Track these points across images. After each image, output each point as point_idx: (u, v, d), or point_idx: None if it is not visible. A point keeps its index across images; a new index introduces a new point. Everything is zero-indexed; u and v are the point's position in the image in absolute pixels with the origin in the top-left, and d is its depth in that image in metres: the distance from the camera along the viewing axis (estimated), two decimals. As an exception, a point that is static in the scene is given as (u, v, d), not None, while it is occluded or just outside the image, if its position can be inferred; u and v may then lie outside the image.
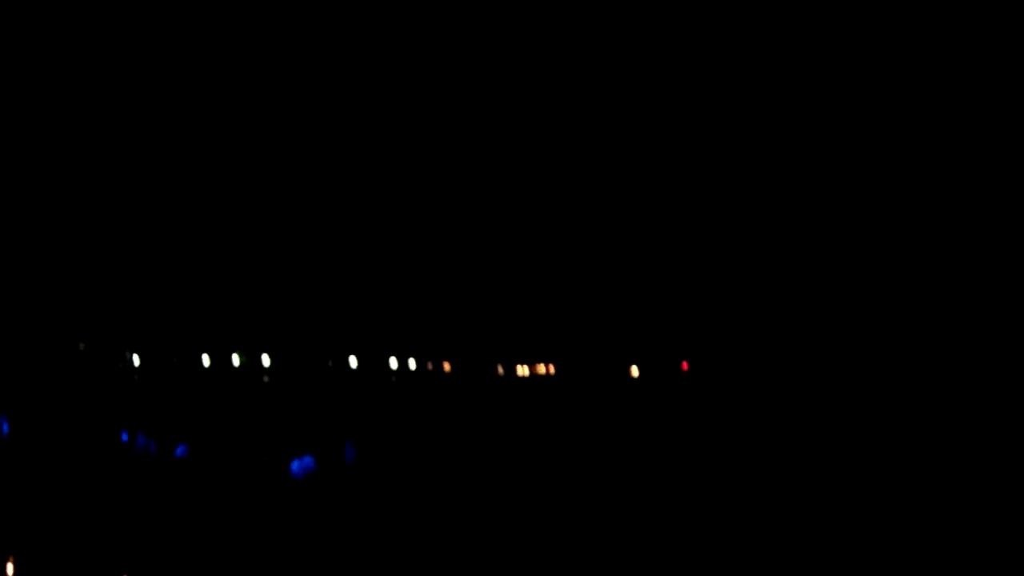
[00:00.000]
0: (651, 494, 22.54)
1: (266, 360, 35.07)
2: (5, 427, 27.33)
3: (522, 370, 42.35)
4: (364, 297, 39.34)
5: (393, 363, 40.07)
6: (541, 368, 42.59)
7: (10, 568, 15.48)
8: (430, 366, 41.04)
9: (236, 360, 36.02)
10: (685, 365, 41.14)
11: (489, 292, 39.77)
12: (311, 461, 23.45)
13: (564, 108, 31.25)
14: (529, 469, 23.18)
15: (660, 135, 29.22)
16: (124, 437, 25.71)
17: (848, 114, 26.98)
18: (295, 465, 23.62)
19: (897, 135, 26.42)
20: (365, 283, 39.01)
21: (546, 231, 39.84)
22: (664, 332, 39.28)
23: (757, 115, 27.71)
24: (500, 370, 41.87)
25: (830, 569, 15.34)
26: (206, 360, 35.26)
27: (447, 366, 41.47)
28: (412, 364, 40.50)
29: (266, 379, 34.62)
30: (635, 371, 43.56)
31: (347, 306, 39.00)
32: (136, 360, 35.87)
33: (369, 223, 39.22)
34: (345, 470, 22.64)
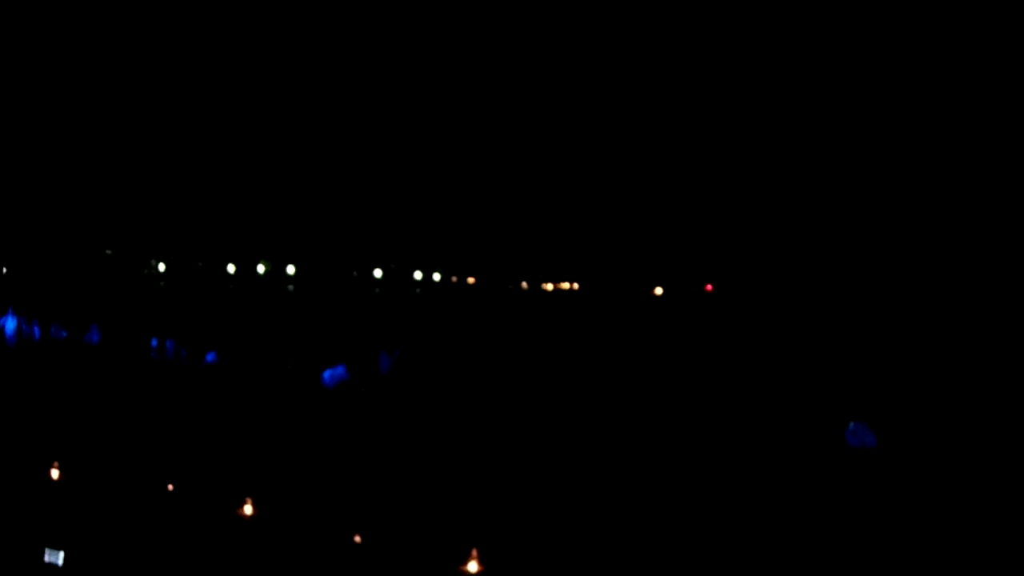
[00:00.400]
0: (672, 422, 22.40)
1: (293, 269, 35.05)
2: (36, 331, 27.31)
3: (547, 286, 42.00)
4: (394, 210, 39.05)
5: (418, 275, 39.86)
6: (565, 285, 42.26)
7: (55, 473, 15.46)
8: (455, 279, 40.81)
9: (261, 269, 35.97)
10: (710, 287, 40.93)
11: (517, 210, 39.43)
12: (343, 371, 23.35)
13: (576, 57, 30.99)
14: (552, 388, 23.09)
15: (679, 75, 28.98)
16: (154, 343, 25.70)
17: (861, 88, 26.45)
18: (327, 375, 23.54)
19: (899, 119, 25.90)
20: (397, 196, 38.71)
21: (577, 153, 39.30)
22: (690, 254, 38.96)
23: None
24: (525, 285, 41.54)
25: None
26: (232, 268, 35.22)
27: (471, 280, 41.19)
28: (436, 276, 40.27)
29: (293, 288, 34.58)
30: (659, 291, 43.20)
31: (377, 218, 38.76)
32: (163, 268, 35.77)
33: (399, 138, 38.80)
34: (379, 380, 22.54)
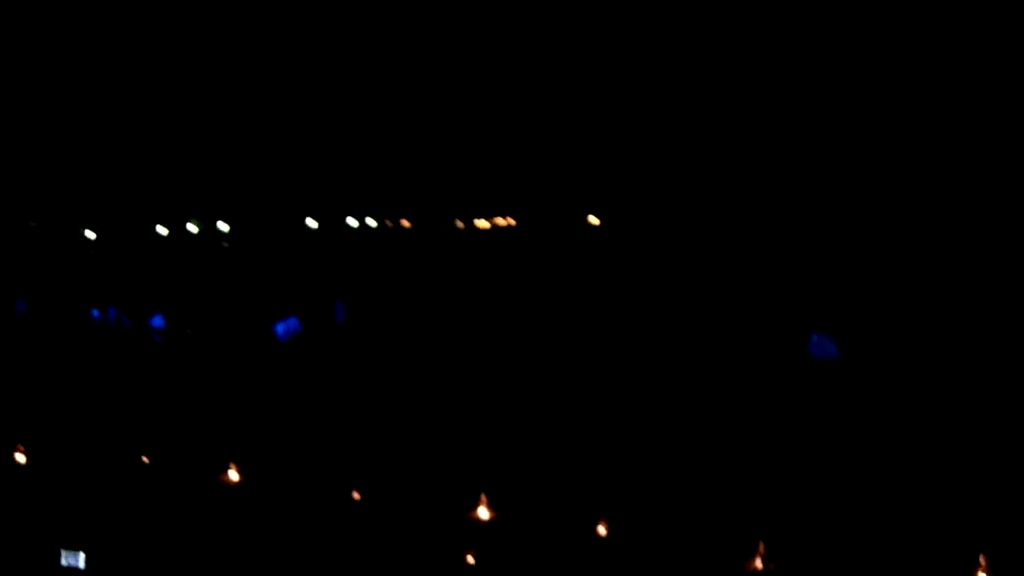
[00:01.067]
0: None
1: (226, 226, 34.35)
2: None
3: (481, 223, 41.75)
4: (321, 157, 38.47)
5: (352, 222, 39.35)
6: (501, 221, 42.05)
7: (21, 457, 15.02)
8: (389, 224, 40.41)
9: (193, 228, 35.25)
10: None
11: (446, 149, 39.00)
12: (296, 323, 22.90)
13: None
14: (514, 326, 22.88)
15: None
16: (95, 314, 25.04)
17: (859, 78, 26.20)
18: (279, 328, 23.07)
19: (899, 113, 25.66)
20: (323, 142, 38.13)
21: (508, 88, 38.95)
22: (629, 189, 38.71)
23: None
24: (460, 224, 41.28)
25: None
26: (163, 231, 34.50)
27: (406, 223, 40.83)
28: (371, 223, 39.83)
29: (228, 244, 33.94)
30: (594, 220, 43.02)
31: (304, 167, 38.16)
32: (94, 235, 34.96)
33: (323, 83, 38.18)
34: (336, 331, 22.15)
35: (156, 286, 26.78)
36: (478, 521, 11.67)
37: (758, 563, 10.71)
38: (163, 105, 33.68)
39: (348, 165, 36.36)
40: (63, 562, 11.06)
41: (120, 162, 33.12)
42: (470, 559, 11.48)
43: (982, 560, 10.52)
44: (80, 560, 10.93)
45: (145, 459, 14.32)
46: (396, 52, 34.70)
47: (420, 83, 34.69)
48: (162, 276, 28.35)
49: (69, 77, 33.84)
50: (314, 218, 39.54)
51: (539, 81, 34.34)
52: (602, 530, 11.26)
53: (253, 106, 34.62)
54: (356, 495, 12.27)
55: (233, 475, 13.20)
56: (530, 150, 35.83)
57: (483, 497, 11.63)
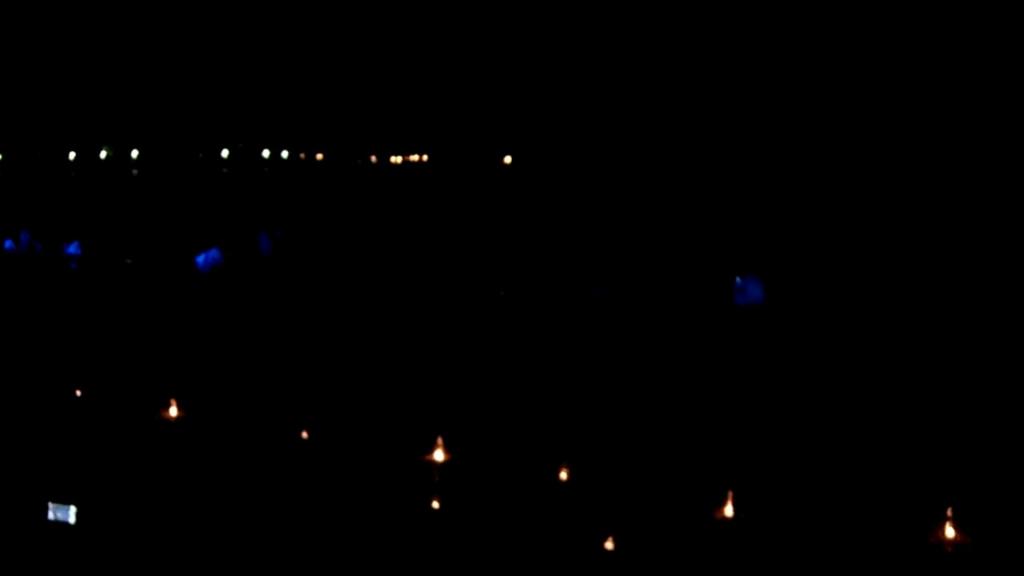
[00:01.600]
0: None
1: (136, 153, 33.78)
2: None
3: (396, 159, 41.52)
4: (236, 87, 37.94)
5: (265, 153, 38.96)
6: (414, 157, 41.85)
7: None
8: (303, 156, 40.07)
9: (103, 154, 34.63)
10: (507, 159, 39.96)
11: (361, 86, 38.72)
12: (217, 254, 22.54)
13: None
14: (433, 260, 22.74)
15: None
16: (8, 245, 24.44)
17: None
18: (200, 259, 22.70)
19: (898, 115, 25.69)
20: (238, 73, 37.60)
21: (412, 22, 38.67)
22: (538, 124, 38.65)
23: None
24: (374, 159, 40.99)
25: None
26: (72, 155, 33.82)
27: (319, 156, 40.50)
28: (284, 154, 39.45)
29: (137, 172, 33.37)
30: (508, 159, 43.08)
31: (220, 97, 37.62)
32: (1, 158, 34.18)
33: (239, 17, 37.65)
34: (260, 263, 21.84)
35: (71, 213, 26.27)
36: (432, 463, 11.59)
37: (728, 511, 10.76)
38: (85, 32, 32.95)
39: (282, 98, 36.01)
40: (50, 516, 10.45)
41: (37, 85, 32.42)
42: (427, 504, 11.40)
43: (949, 512, 10.68)
44: (71, 515, 10.35)
45: (78, 392, 14.00)
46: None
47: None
48: (78, 203, 27.82)
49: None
50: (238, 149, 39.14)
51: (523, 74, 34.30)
52: (563, 475, 11.22)
53: (184, 35, 34.00)
54: (304, 434, 12.10)
55: (173, 411, 12.97)
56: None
57: (439, 440, 11.54)
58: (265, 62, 34.44)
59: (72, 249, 24.24)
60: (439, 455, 11.42)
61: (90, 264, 23.49)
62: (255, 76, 33.77)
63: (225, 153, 35.58)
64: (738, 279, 20.58)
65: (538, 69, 34.19)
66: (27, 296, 21.45)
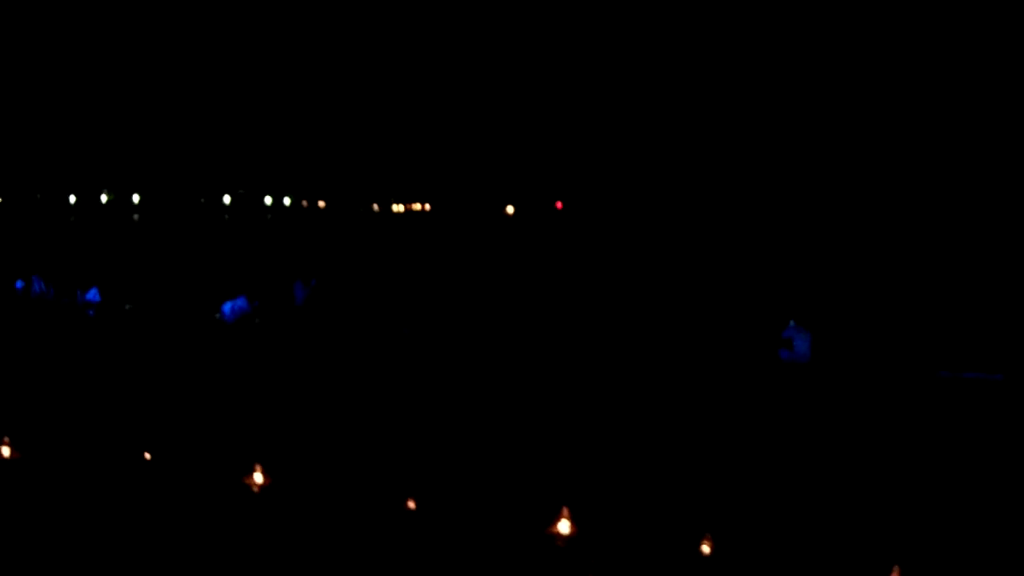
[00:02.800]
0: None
1: (137, 198, 33.08)
2: None
3: (398, 208, 41.10)
4: (239, 132, 37.42)
5: (268, 200, 38.49)
6: (417, 206, 41.47)
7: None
8: (305, 204, 39.64)
9: (104, 198, 33.97)
10: (559, 204, 40.61)
11: (365, 136, 38.41)
12: (244, 302, 21.91)
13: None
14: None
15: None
16: (19, 285, 23.72)
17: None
18: (227, 308, 22.06)
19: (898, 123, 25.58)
20: (241, 118, 37.14)
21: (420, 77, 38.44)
22: (540, 174, 38.46)
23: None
24: (376, 207, 40.57)
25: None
26: (72, 199, 33.14)
27: (321, 204, 40.06)
28: (286, 201, 39.02)
29: (138, 217, 32.70)
30: (510, 209, 42.68)
31: (224, 142, 37.06)
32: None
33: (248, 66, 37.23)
34: (292, 312, 21.21)
35: (89, 258, 25.52)
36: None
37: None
38: (114, 83, 32.38)
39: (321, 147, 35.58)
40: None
41: (65, 130, 31.74)
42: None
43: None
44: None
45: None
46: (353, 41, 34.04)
47: (383, 73, 34.10)
48: (99, 249, 27.06)
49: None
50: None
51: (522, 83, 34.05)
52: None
53: (216, 84, 33.48)
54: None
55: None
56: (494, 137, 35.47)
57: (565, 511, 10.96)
58: (292, 113, 34.11)
59: (91, 295, 23.54)
60: (565, 526, 10.86)
61: (110, 311, 22.79)
62: (275, 125, 33.39)
63: (227, 199, 35.04)
64: (787, 331, 20.16)
65: (548, 115, 33.97)
66: (51, 343, 20.72)
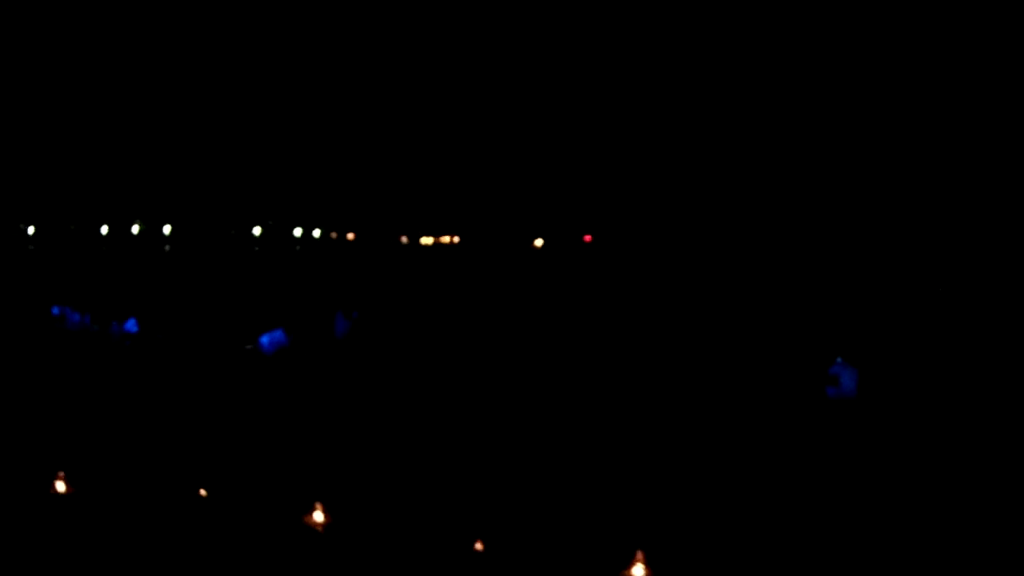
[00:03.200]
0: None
1: (168, 228, 33.04)
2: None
3: (427, 240, 40.82)
4: (268, 160, 37.36)
5: (297, 232, 38.33)
6: (446, 239, 41.18)
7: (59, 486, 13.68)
8: (334, 235, 39.40)
9: (136, 229, 33.88)
10: (588, 238, 40.38)
11: (393, 166, 38.28)
12: (282, 335, 21.76)
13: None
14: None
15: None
16: (55, 311, 23.58)
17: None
18: (265, 340, 21.91)
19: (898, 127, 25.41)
20: (273, 147, 37.07)
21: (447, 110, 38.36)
22: (568, 206, 38.29)
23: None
24: (405, 240, 40.33)
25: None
26: (104, 230, 33.06)
27: (351, 236, 39.83)
28: (316, 233, 38.82)
29: (169, 247, 32.59)
30: (539, 243, 42.46)
31: (253, 171, 36.99)
32: (32, 231, 33.37)
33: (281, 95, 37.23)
34: (333, 344, 21.03)
35: (130, 288, 25.37)
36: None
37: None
38: (148, 109, 32.36)
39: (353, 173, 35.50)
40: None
41: (101, 159, 31.73)
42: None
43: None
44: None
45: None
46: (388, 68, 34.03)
47: (417, 99, 34.01)
48: (137, 278, 26.91)
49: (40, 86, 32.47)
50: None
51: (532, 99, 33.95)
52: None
53: (251, 115, 33.46)
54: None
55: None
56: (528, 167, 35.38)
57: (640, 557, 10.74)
58: (320, 145, 34.13)
59: (129, 326, 23.40)
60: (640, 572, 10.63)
61: (148, 342, 22.65)
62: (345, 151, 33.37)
63: (256, 230, 34.96)
64: (834, 367, 19.95)
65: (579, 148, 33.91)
66: (96, 374, 20.55)
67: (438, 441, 15.94)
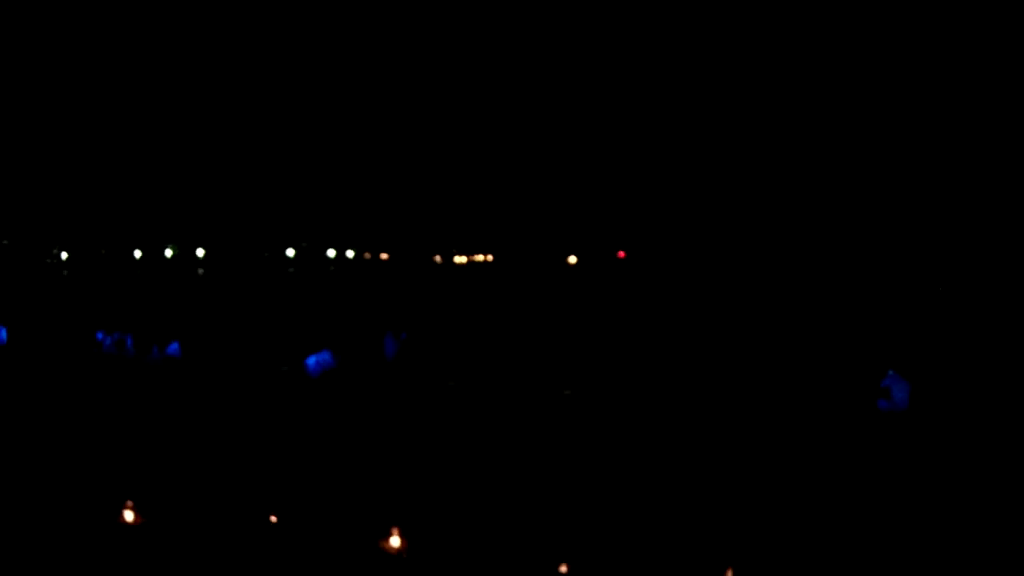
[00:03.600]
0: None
1: (202, 251, 33.00)
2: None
3: (461, 259, 40.74)
4: (302, 182, 37.32)
5: (331, 252, 38.27)
6: (480, 257, 41.10)
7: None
8: (368, 256, 39.34)
9: (169, 252, 33.85)
10: (622, 254, 40.28)
11: (427, 184, 38.22)
12: (328, 356, 21.64)
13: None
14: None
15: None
16: (100, 336, 23.55)
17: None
18: (311, 361, 21.81)
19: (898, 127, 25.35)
20: (304, 169, 37.07)
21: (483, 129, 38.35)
22: (601, 222, 38.18)
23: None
24: (439, 259, 40.23)
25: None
26: (138, 253, 33.04)
27: (384, 256, 39.75)
28: (349, 253, 38.76)
29: (203, 270, 32.55)
30: (572, 259, 42.40)
31: (288, 192, 36.97)
32: (66, 255, 33.44)
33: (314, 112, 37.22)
34: (382, 366, 20.91)
35: (173, 311, 25.33)
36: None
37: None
38: (193, 130, 32.42)
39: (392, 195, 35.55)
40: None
41: (142, 181, 31.82)
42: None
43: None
44: None
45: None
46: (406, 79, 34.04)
47: (450, 119, 34.00)
48: (179, 301, 26.88)
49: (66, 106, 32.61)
50: (293, 247, 38.43)
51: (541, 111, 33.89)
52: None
53: (296, 137, 33.54)
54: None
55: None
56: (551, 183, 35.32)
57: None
58: (351, 166, 34.16)
59: (171, 350, 23.31)
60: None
61: (193, 366, 22.56)
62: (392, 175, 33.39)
63: (291, 252, 35.03)
64: (886, 380, 19.78)
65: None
66: (151, 400, 20.47)
67: (496, 462, 15.84)
